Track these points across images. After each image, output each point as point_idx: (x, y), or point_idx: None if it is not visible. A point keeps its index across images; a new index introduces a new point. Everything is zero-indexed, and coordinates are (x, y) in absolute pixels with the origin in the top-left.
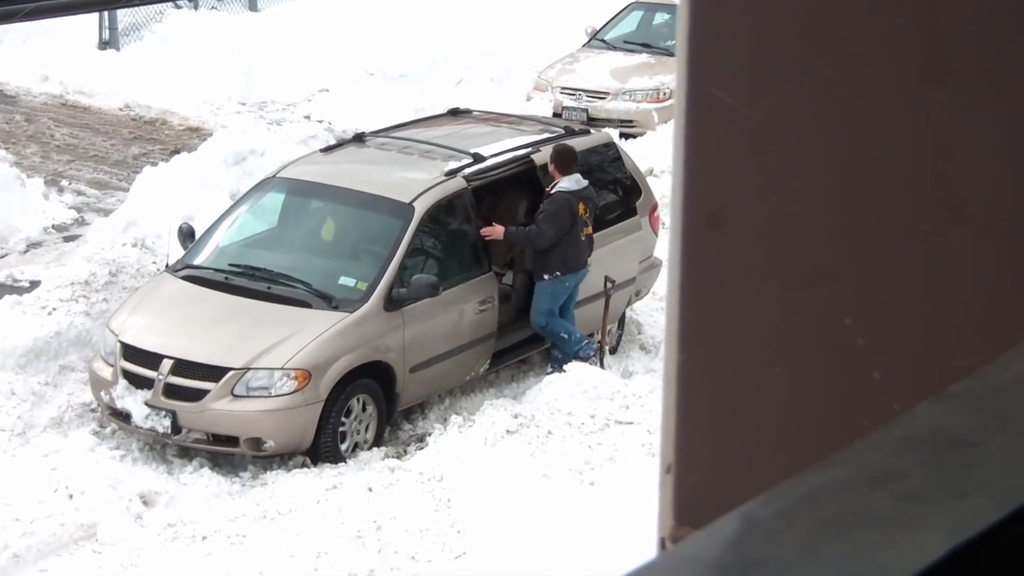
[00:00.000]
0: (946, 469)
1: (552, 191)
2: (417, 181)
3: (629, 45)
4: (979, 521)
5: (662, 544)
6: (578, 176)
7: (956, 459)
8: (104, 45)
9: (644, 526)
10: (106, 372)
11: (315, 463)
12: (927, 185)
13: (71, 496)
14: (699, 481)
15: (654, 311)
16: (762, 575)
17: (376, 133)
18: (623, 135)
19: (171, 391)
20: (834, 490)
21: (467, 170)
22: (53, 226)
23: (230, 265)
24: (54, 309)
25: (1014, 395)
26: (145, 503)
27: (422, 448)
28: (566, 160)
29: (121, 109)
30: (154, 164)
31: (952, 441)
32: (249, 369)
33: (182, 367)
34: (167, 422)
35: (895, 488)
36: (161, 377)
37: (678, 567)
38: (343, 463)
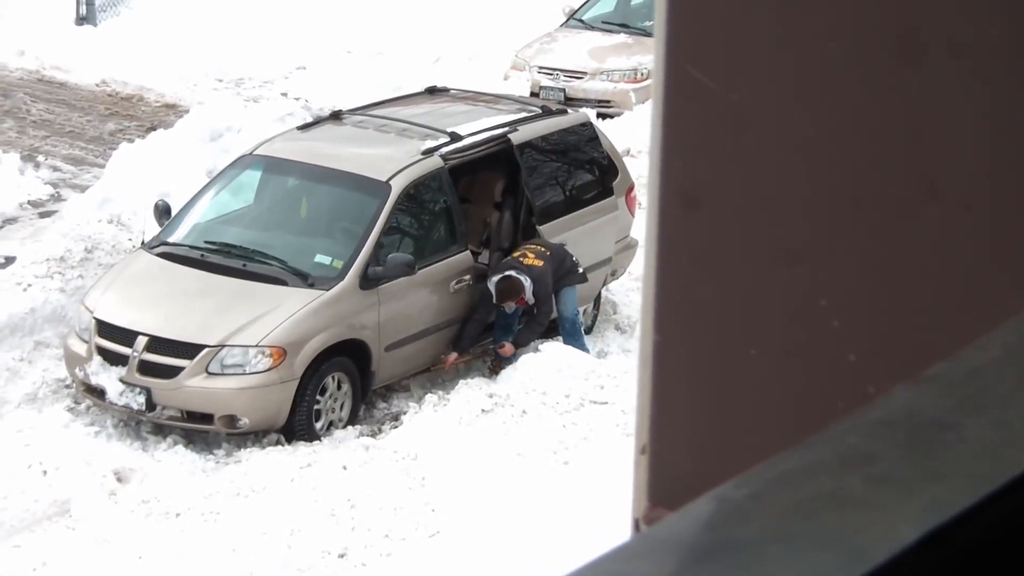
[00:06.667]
0: (920, 452)
1: (531, 294)
2: (394, 159)
3: (607, 25)
4: (953, 504)
5: (636, 525)
6: (524, 273)
7: (930, 442)
8: (81, 20)
9: (618, 506)
10: (81, 348)
11: (289, 441)
12: (903, 165)
13: (45, 472)
14: (673, 462)
15: (630, 291)
16: (736, 557)
17: (353, 111)
18: (600, 115)
19: (146, 368)
20: (808, 472)
21: (444, 149)
22: (29, 202)
23: (206, 242)
24: (29, 285)
25: (989, 378)
26: (119, 479)
27: (397, 427)
28: (513, 288)
29: (98, 85)
30: (130, 140)
31: (927, 424)
32: (224, 346)
33: (157, 344)
34: (142, 399)
35: (869, 470)
36: (136, 354)
37: (652, 549)
38: (318, 441)
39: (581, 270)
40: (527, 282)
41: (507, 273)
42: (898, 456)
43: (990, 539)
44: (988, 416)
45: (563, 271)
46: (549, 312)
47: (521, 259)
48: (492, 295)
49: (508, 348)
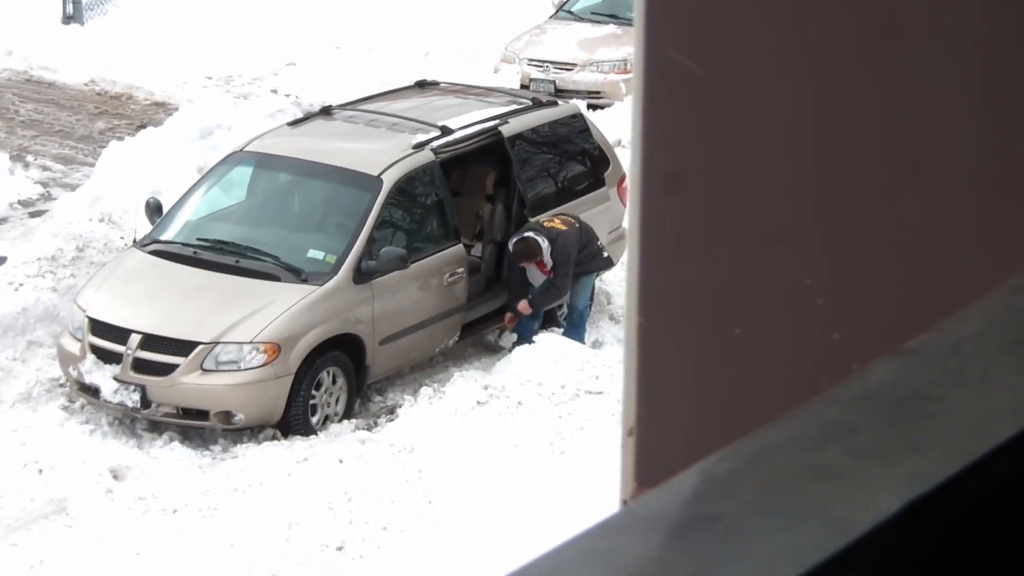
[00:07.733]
0: (901, 424)
1: (549, 256)
2: (385, 154)
3: (596, 16)
4: (934, 475)
5: (624, 506)
6: (542, 234)
7: (911, 414)
8: (68, 19)
9: (614, 494)
10: (74, 347)
11: (285, 436)
12: (884, 146)
13: (41, 471)
14: (660, 443)
15: (623, 281)
16: (717, 530)
17: (343, 106)
18: (591, 106)
19: (140, 366)
20: (789, 446)
21: (435, 142)
22: (19, 201)
23: (198, 239)
24: (21, 285)
25: (969, 350)
26: (115, 477)
27: (392, 420)
28: (529, 248)
29: (86, 84)
30: (120, 139)
31: (908, 396)
32: (218, 343)
33: (151, 342)
34: (136, 396)
35: (850, 443)
36: (130, 352)
37: (635, 524)
38: (314, 435)
39: (606, 255)
40: (544, 243)
41: (524, 234)
42: (880, 428)
43: (972, 509)
44: (969, 387)
45: (587, 254)
46: (567, 276)
47: (544, 223)
48: None
49: (524, 305)
